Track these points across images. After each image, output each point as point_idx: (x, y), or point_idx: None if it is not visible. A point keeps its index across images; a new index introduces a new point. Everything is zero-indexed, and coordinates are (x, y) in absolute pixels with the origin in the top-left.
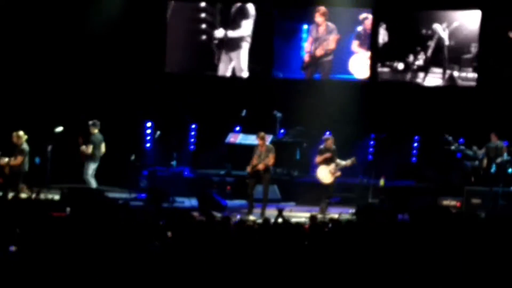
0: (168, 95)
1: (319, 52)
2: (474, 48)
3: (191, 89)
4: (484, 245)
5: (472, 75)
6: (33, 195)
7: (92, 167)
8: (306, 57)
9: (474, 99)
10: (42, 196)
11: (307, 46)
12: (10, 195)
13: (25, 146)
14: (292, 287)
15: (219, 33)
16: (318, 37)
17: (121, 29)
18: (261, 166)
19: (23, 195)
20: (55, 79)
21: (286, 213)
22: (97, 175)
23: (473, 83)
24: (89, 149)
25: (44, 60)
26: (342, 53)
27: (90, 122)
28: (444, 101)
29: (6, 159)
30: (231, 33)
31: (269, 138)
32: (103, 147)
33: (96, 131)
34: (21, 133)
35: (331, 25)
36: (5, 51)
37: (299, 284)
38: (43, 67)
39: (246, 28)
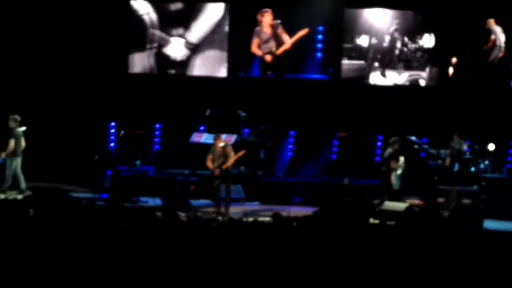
0: (132, 95)
1: (279, 51)
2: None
3: (155, 89)
4: (447, 244)
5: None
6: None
7: (15, 163)
8: (268, 58)
9: (437, 98)
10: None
11: (255, 49)
12: None
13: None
14: (258, 286)
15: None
16: (273, 36)
17: (86, 29)
18: (229, 164)
19: None
20: (21, 79)
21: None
22: (61, 174)
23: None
24: (11, 143)
25: (10, 59)
26: (302, 54)
27: (11, 117)
28: (407, 100)
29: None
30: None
31: (233, 137)
32: (23, 142)
33: (15, 125)
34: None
35: (276, 22)
36: None
37: (266, 283)
38: (12, 66)
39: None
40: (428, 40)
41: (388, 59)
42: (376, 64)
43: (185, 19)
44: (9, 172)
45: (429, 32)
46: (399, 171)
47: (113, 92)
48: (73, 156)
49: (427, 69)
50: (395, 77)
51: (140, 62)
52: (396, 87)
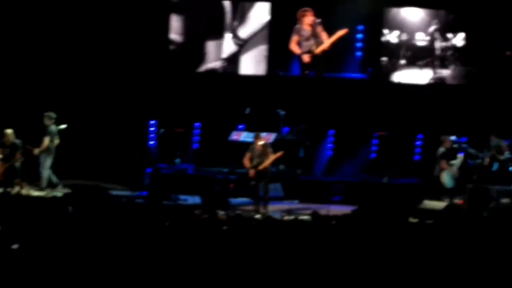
0: (172, 93)
1: (318, 50)
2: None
3: (195, 87)
4: (485, 243)
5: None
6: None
7: (48, 160)
8: (306, 58)
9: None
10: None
11: (294, 47)
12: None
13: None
14: (297, 285)
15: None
16: (312, 35)
17: (128, 26)
18: (266, 164)
19: (22, 191)
20: (60, 77)
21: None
22: (101, 172)
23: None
24: (46, 141)
25: (50, 57)
26: (341, 53)
27: (46, 114)
28: (439, 98)
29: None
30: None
31: (272, 136)
32: (57, 140)
33: (50, 122)
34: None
35: (316, 22)
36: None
37: (305, 281)
38: (49, 64)
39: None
40: (459, 39)
41: (421, 57)
42: (403, 62)
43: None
44: (42, 169)
45: (460, 31)
46: (452, 171)
47: (153, 90)
48: (113, 154)
49: (452, 67)
50: (420, 75)
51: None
52: (422, 86)
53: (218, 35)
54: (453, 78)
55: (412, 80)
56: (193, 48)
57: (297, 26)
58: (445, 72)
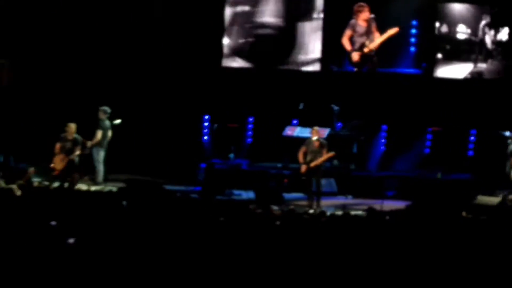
0: (226, 88)
1: (367, 49)
2: None
3: (249, 82)
4: None
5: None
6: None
7: (101, 154)
8: (355, 56)
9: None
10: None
11: (346, 42)
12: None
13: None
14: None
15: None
16: (366, 32)
17: (179, 20)
18: (319, 162)
19: (77, 185)
20: (115, 72)
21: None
22: (155, 167)
23: None
24: (98, 134)
25: (106, 52)
26: (395, 48)
27: (100, 108)
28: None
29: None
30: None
31: (326, 131)
32: (109, 134)
33: (104, 116)
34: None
35: (371, 19)
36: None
37: (360, 276)
38: (106, 59)
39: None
40: (504, 34)
41: (463, 50)
42: (439, 56)
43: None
44: (97, 164)
45: (503, 26)
46: None
47: (207, 85)
48: (167, 149)
49: (489, 62)
50: (460, 70)
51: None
52: (469, 80)
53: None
54: (491, 73)
55: (451, 75)
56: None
57: (353, 21)
58: (483, 67)
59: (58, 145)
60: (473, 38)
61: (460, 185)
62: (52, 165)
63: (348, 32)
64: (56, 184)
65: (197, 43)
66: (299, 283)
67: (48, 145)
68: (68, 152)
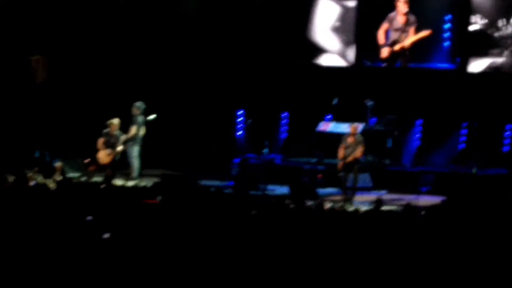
0: (261, 83)
1: (406, 43)
2: None
3: (282, 77)
4: None
5: None
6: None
7: (136, 149)
8: (384, 51)
9: None
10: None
11: (380, 36)
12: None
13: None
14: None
15: None
16: (401, 27)
17: (214, 15)
18: (350, 159)
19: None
20: (150, 69)
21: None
22: (190, 162)
23: None
24: (133, 130)
25: (141, 49)
26: (429, 43)
27: (134, 104)
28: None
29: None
30: None
31: (360, 126)
32: (143, 130)
33: (138, 112)
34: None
35: (412, 16)
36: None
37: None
38: (141, 56)
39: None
40: None
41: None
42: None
43: None
44: (131, 159)
45: None
46: None
47: (241, 80)
48: (202, 144)
49: (506, 53)
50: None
51: None
52: (496, 74)
53: None
54: (506, 66)
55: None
56: None
57: (392, 14)
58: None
59: (101, 140)
60: (505, 31)
61: (496, 180)
62: (95, 160)
63: (384, 25)
64: (98, 179)
65: (232, 39)
66: (334, 277)
67: (84, 141)
68: (112, 147)
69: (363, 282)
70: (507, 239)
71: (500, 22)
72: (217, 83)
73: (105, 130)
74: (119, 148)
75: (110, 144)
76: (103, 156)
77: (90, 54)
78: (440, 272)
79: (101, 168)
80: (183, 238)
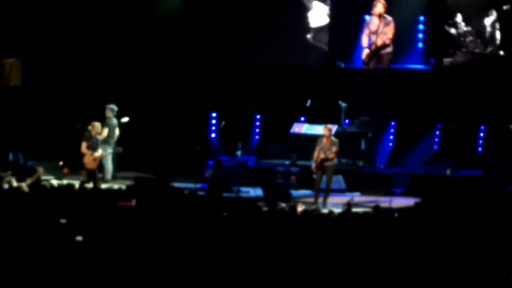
0: (233, 86)
1: (378, 43)
2: None
3: (256, 80)
4: None
5: None
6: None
7: (108, 151)
8: (364, 54)
9: None
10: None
11: (364, 39)
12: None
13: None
14: (357, 275)
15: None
16: (376, 30)
17: (187, 18)
18: (322, 156)
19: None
20: (123, 71)
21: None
22: (163, 165)
23: None
24: (105, 132)
25: (113, 49)
26: (403, 44)
27: (107, 106)
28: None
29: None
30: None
31: (334, 128)
32: (117, 132)
33: (111, 115)
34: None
35: (388, 17)
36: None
37: (364, 272)
38: (113, 58)
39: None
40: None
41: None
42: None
43: None
44: (105, 162)
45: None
46: None
47: (214, 82)
48: (174, 147)
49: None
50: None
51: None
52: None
53: None
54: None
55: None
56: None
57: (369, 18)
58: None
59: (84, 144)
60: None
61: (470, 181)
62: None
63: (366, 30)
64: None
65: (204, 42)
66: (306, 280)
67: (57, 143)
68: (94, 150)
69: (335, 284)
70: (481, 241)
71: (459, 18)
72: (190, 85)
73: (87, 133)
74: (99, 151)
75: (93, 148)
76: (90, 161)
77: (64, 57)
78: (413, 274)
79: (88, 172)
80: (157, 240)
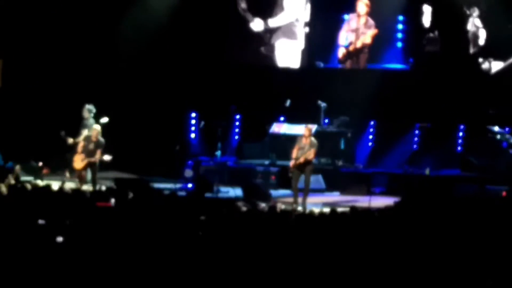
0: (213, 86)
1: (358, 45)
2: None
3: (235, 80)
4: None
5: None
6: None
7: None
8: (340, 52)
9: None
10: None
11: (342, 37)
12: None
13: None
14: (340, 275)
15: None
16: (356, 28)
17: (174, 19)
18: (301, 160)
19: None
20: (98, 69)
21: None
22: (142, 165)
23: None
24: (84, 133)
25: (90, 51)
26: (382, 44)
27: (85, 106)
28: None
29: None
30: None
31: (313, 128)
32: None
33: (88, 115)
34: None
35: (371, 20)
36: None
37: (346, 271)
38: (90, 57)
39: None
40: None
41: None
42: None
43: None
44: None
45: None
46: None
47: (193, 82)
48: (154, 147)
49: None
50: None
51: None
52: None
53: None
54: None
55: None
56: None
57: (349, 15)
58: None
59: (81, 144)
60: None
61: (449, 181)
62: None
63: (345, 27)
64: (85, 186)
65: (185, 42)
66: (286, 281)
67: (37, 144)
68: (90, 154)
69: (316, 284)
70: (460, 240)
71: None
72: (169, 85)
73: (88, 134)
74: (97, 156)
75: (88, 150)
76: (78, 160)
77: (43, 58)
78: (392, 273)
79: (72, 171)
80: (137, 241)
